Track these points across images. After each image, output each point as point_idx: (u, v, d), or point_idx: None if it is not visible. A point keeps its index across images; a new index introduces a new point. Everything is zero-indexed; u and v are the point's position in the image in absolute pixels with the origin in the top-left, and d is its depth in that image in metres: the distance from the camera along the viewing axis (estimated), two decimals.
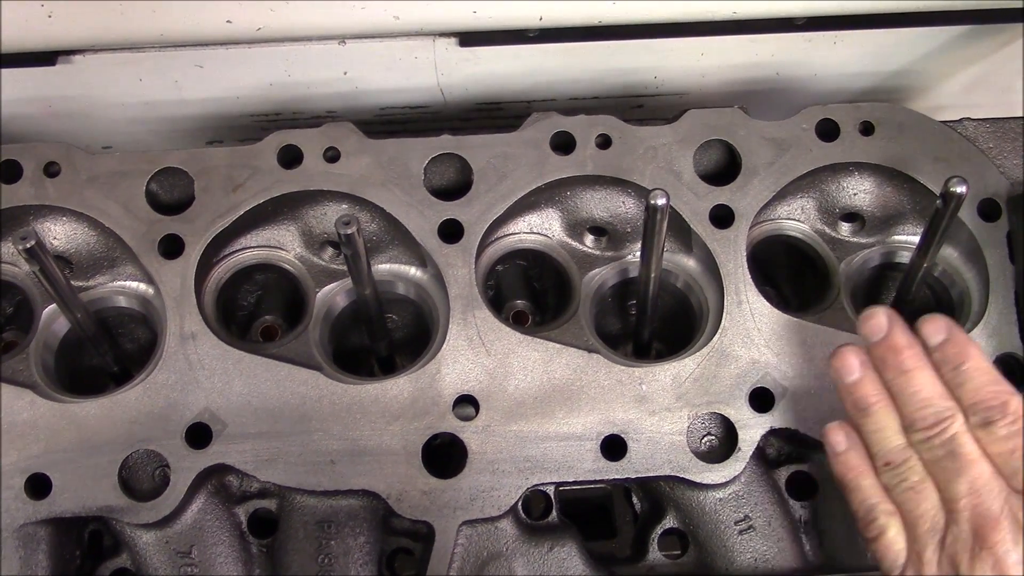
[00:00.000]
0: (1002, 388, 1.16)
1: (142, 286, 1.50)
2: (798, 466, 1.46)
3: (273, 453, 1.36)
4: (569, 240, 1.55)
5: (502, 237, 1.53)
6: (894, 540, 1.17)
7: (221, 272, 1.51)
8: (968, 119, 1.53)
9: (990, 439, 1.14)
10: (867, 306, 1.28)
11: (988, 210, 1.47)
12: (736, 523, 1.41)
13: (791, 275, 1.60)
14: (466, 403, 1.38)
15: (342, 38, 1.56)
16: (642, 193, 1.48)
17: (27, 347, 1.44)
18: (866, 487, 1.21)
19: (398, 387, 1.39)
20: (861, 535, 1.22)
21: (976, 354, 1.19)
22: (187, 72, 1.63)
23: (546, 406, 1.38)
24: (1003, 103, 1.73)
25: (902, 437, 1.19)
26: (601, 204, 1.52)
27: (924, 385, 1.18)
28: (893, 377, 1.20)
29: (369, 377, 1.42)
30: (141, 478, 1.36)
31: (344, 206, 1.49)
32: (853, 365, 1.23)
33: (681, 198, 1.46)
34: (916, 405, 1.17)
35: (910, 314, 1.50)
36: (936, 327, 1.22)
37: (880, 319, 1.24)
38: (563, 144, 1.49)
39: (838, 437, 1.26)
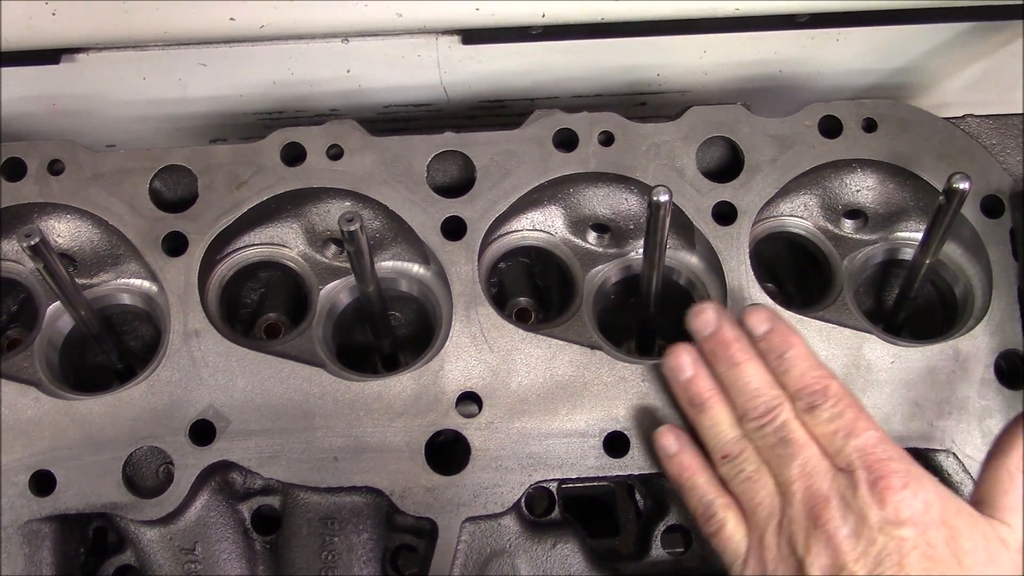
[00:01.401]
0: (822, 373, 1.23)
1: (146, 283, 1.50)
2: None
3: (276, 450, 1.36)
4: (572, 237, 1.55)
5: (505, 234, 1.54)
6: (734, 531, 1.22)
7: (224, 269, 1.51)
8: (971, 116, 1.53)
9: (815, 422, 1.20)
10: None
11: (991, 206, 1.47)
12: None
13: (794, 272, 1.60)
14: (469, 400, 1.39)
15: (345, 36, 1.57)
16: (645, 190, 1.48)
17: (31, 344, 1.45)
18: (701, 484, 1.26)
19: (401, 384, 1.39)
20: (701, 531, 1.26)
21: (797, 342, 1.25)
22: (191, 70, 1.63)
23: (549, 403, 1.38)
24: (1006, 100, 1.72)
25: (737, 429, 1.24)
26: (604, 201, 1.52)
27: (753, 376, 1.24)
28: (724, 370, 1.25)
29: (372, 374, 1.42)
30: (145, 475, 1.37)
31: (347, 203, 1.49)
32: (685, 363, 1.29)
33: (684, 195, 1.46)
34: (747, 396, 1.23)
35: (913, 311, 1.51)
36: (759, 318, 1.28)
37: (708, 314, 1.30)
38: (566, 141, 1.49)
39: (668, 440, 1.31)
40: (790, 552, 1.17)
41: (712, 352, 1.28)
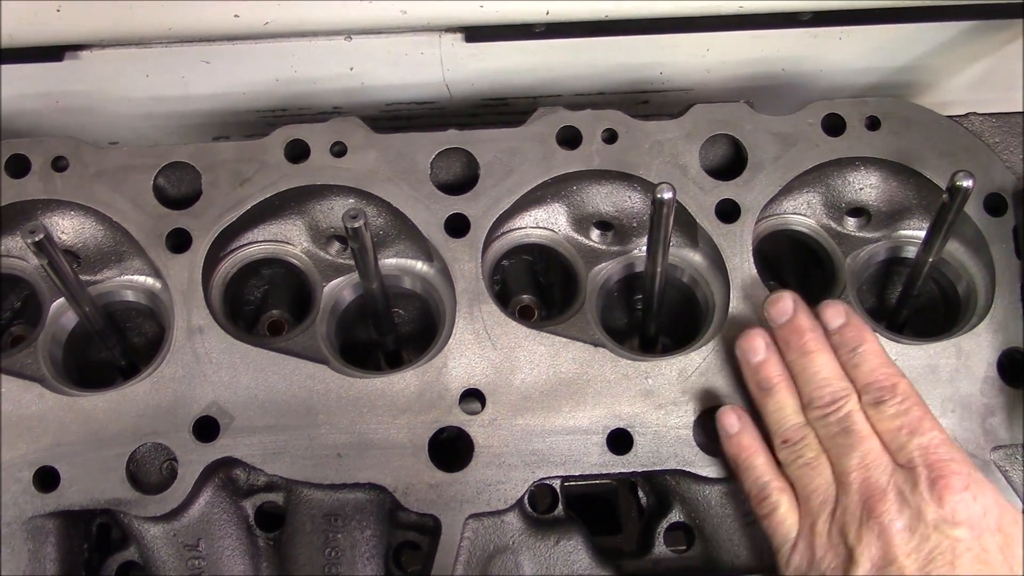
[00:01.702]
0: (892, 371, 1.25)
1: (150, 280, 1.50)
2: None
3: (280, 446, 1.36)
4: (575, 234, 1.55)
5: (508, 232, 1.54)
6: (786, 515, 1.23)
7: (228, 266, 1.52)
8: (974, 114, 1.54)
9: (880, 417, 1.22)
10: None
11: (994, 204, 1.47)
12: (743, 516, 1.41)
13: (797, 270, 1.60)
14: (472, 397, 1.39)
15: (349, 33, 1.57)
16: (648, 188, 1.48)
17: (35, 341, 1.45)
18: (759, 466, 1.28)
19: (405, 381, 1.39)
20: (753, 512, 1.27)
21: (871, 338, 1.28)
22: (194, 68, 1.63)
23: (552, 400, 1.39)
24: (1009, 99, 1.72)
25: (800, 416, 1.26)
26: (607, 199, 1.52)
27: (823, 366, 1.26)
28: (795, 358, 1.27)
29: (376, 371, 1.42)
30: (149, 471, 1.37)
31: (351, 200, 1.49)
32: (759, 346, 1.31)
33: (687, 192, 1.47)
34: (815, 384, 1.24)
35: (915, 309, 1.51)
36: (836, 311, 1.31)
37: (786, 302, 1.32)
38: (569, 139, 1.49)
39: (731, 419, 1.32)
40: (841, 541, 1.17)
41: (785, 340, 1.30)
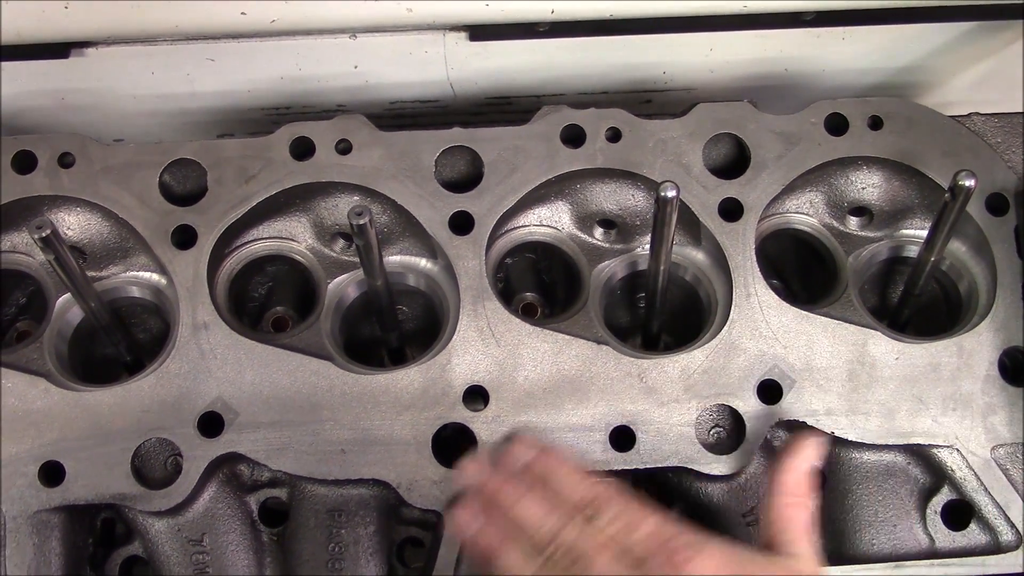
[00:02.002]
0: (591, 482, 1.23)
1: (155, 276, 1.51)
2: None
3: (284, 442, 1.37)
4: (579, 233, 1.55)
5: (512, 229, 1.54)
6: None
7: (233, 263, 1.52)
8: (976, 114, 1.54)
9: (599, 529, 1.19)
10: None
11: (996, 204, 1.48)
12: (743, 515, 1.42)
13: (799, 268, 1.61)
14: (476, 394, 1.39)
15: (353, 31, 1.57)
16: (652, 186, 1.48)
17: (41, 336, 1.45)
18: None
19: (408, 377, 1.40)
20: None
21: (560, 462, 1.25)
22: (199, 65, 1.64)
23: (555, 397, 1.39)
24: (1011, 100, 1.73)
25: (532, 563, 1.20)
26: (611, 197, 1.53)
27: (531, 509, 1.22)
28: (505, 513, 1.23)
29: (380, 368, 1.43)
30: (153, 466, 1.38)
31: (356, 198, 1.49)
32: (467, 520, 1.26)
33: (690, 191, 1.47)
34: (532, 530, 1.21)
35: (917, 308, 1.52)
36: (521, 448, 1.28)
37: (469, 469, 1.29)
38: (573, 137, 1.50)
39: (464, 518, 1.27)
40: None
41: (487, 504, 1.26)
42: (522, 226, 1.55)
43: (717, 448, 1.38)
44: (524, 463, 1.27)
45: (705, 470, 1.37)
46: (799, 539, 1.22)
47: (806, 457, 1.29)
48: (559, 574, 1.19)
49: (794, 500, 1.25)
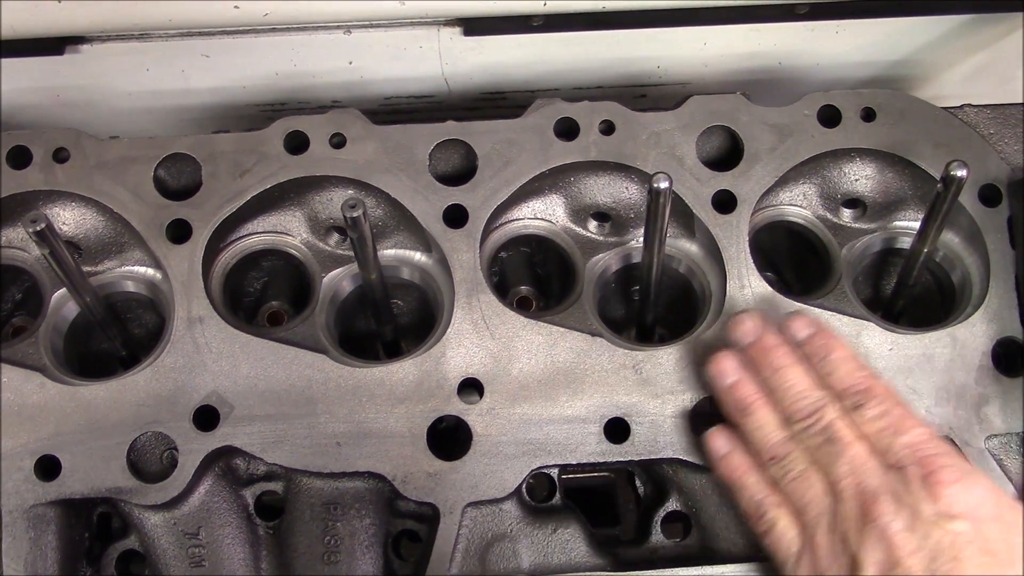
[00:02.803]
0: (867, 374, 1.24)
1: (150, 271, 1.51)
2: None
3: (280, 435, 1.37)
4: (573, 226, 1.56)
5: (506, 223, 1.55)
6: (785, 531, 1.22)
7: (228, 257, 1.52)
8: (969, 105, 1.54)
9: (862, 421, 1.20)
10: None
11: (989, 195, 1.48)
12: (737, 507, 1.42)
13: (793, 260, 1.61)
14: (471, 386, 1.40)
15: (348, 26, 1.58)
16: (645, 179, 1.49)
17: (36, 331, 1.46)
18: (752, 484, 1.26)
19: (403, 370, 1.40)
20: (753, 531, 1.26)
21: (840, 344, 1.27)
22: (193, 61, 1.64)
23: (550, 389, 1.40)
24: (1004, 92, 1.73)
25: (783, 431, 1.24)
26: (605, 190, 1.53)
27: (797, 379, 1.24)
28: (768, 375, 1.26)
29: (375, 361, 1.43)
30: (149, 460, 1.38)
31: (350, 191, 1.50)
32: (729, 369, 1.29)
33: (684, 183, 1.47)
34: (792, 398, 1.23)
35: (911, 299, 1.52)
36: (802, 323, 1.31)
37: (748, 324, 1.32)
38: (567, 130, 1.50)
39: (719, 442, 1.31)
40: (843, 549, 1.16)
41: (755, 359, 1.28)
42: (516, 219, 1.55)
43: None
44: (804, 336, 1.28)
45: (700, 461, 1.37)
46: None
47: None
48: (808, 447, 1.21)
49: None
